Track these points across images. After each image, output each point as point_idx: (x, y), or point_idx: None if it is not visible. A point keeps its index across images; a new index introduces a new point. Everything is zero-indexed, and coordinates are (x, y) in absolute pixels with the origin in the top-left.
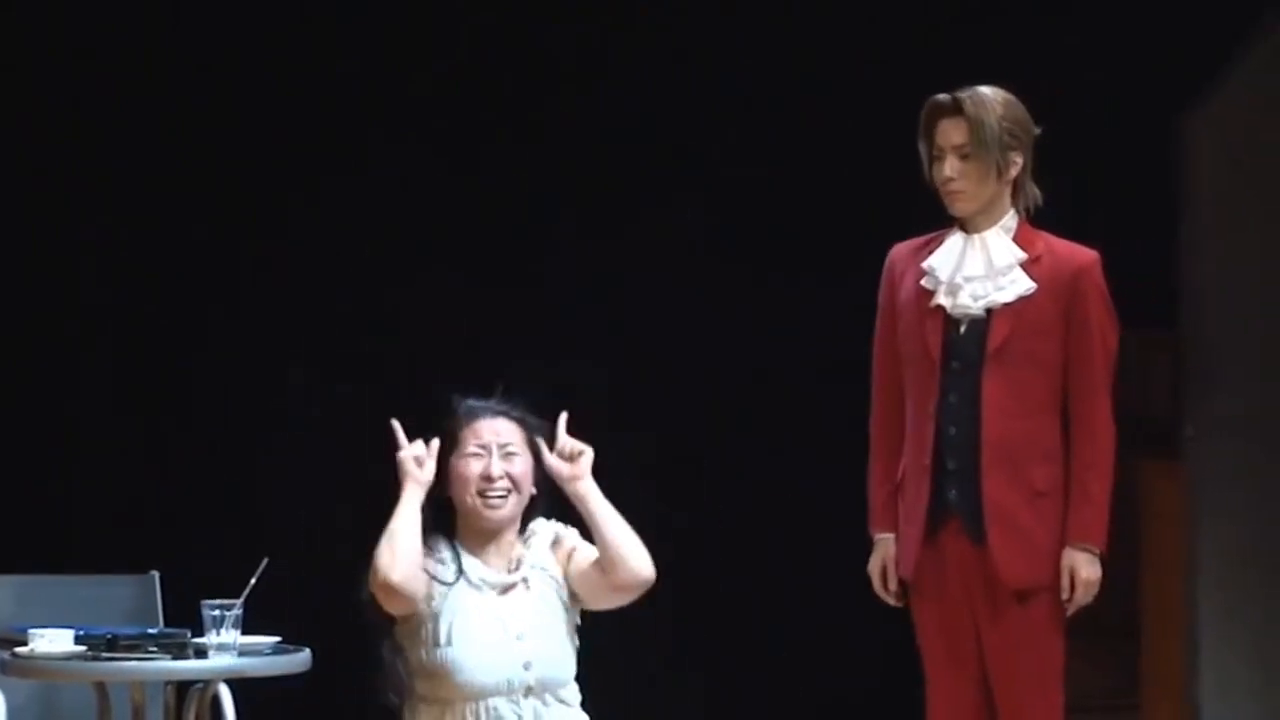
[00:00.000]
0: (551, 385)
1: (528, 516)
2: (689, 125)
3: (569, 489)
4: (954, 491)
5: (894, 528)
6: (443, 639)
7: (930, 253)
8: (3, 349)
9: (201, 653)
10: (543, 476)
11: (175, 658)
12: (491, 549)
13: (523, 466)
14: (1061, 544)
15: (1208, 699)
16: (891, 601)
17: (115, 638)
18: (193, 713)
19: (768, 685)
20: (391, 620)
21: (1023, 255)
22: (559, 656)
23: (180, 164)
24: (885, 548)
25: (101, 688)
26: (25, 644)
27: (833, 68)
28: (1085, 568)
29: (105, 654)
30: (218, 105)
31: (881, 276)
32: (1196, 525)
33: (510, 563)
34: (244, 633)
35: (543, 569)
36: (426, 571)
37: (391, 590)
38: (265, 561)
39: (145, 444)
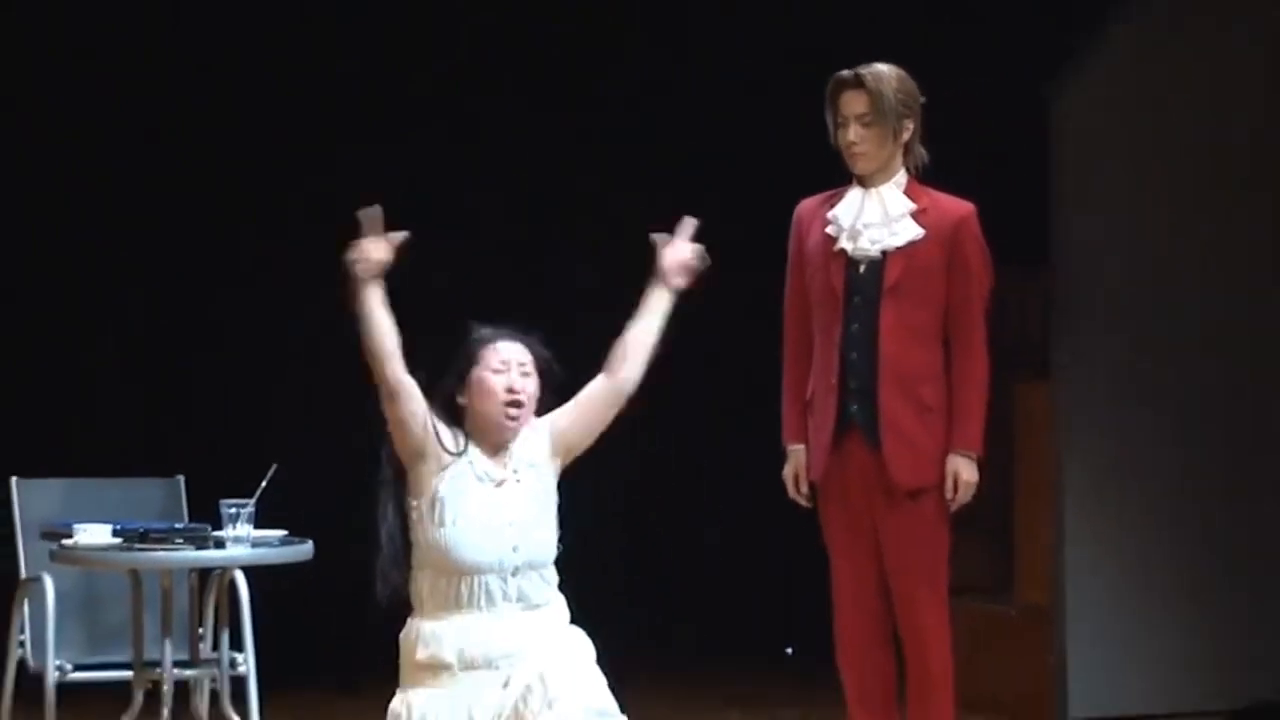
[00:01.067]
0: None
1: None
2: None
3: (666, 281)
4: (855, 406)
5: (804, 439)
6: (447, 520)
7: (832, 206)
8: (46, 282)
9: (220, 544)
10: (546, 393)
11: (198, 548)
12: (490, 448)
13: (534, 387)
14: (946, 451)
15: (1070, 582)
16: (803, 503)
17: (147, 531)
18: (213, 595)
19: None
20: (404, 489)
21: (913, 206)
22: (543, 540)
23: (206, 106)
24: (797, 457)
25: (135, 574)
26: (70, 537)
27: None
28: (966, 470)
29: (138, 545)
30: (230, 55)
31: (790, 228)
32: (1062, 436)
33: (506, 458)
34: (256, 527)
35: (531, 465)
36: (438, 436)
37: (389, 386)
38: (274, 467)
39: (174, 368)
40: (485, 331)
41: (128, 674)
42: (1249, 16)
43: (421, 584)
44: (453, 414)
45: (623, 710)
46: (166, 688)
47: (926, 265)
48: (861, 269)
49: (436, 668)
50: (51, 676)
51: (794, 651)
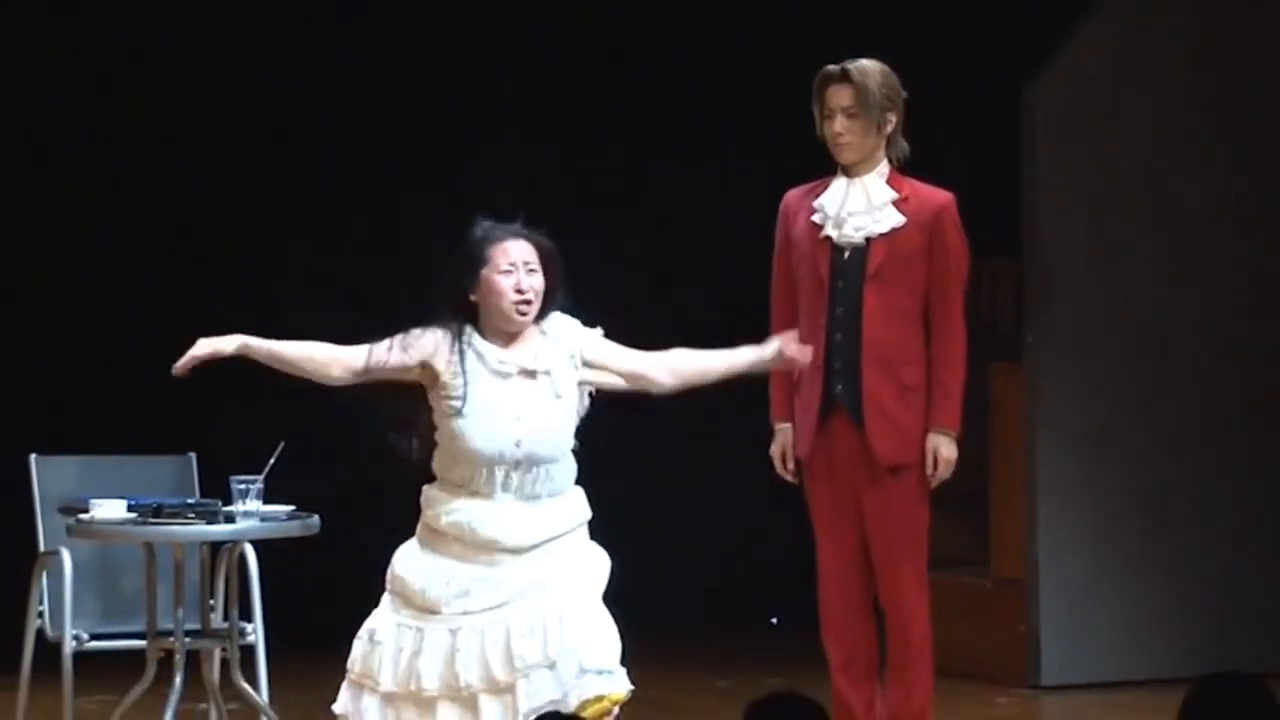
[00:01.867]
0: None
1: (539, 315)
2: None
3: (769, 358)
4: (840, 386)
5: (791, 418)
6: (459, 410)
7: (817, 195)
8: (62, 265)
9: (230, 519)
10: (554, 285)
11: (209, 523)
12: (514, 343)
13: (541, 283)
14: (926, 429)
15: (1043, 555)
16: (789, 479)
17: (160, 506)
18: (223, 568)
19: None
20: (419, 388)
21: (895, 195)
22: (549, 438)
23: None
24: (784, 435)
25: (149, 547)
26: (87, 512)
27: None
28: (945, 448)
29: (152, 519)
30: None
31: (778, 217)
32: (1034, 415)
33: (530, 354)
34: (265, 503)
35: (551, 365)
36: (452, 350)
37: (356, 377)
38: (282, 445)
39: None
40: (492, 229)
41: (142, 643)
42: (1221, 13)
43: (439, 460)
44: (466, 310)
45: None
46: (179, 656)
47: (908, 251)
48: (846, 255)
49: (440, 534)
50: (69, 645)
51: (779, 621)
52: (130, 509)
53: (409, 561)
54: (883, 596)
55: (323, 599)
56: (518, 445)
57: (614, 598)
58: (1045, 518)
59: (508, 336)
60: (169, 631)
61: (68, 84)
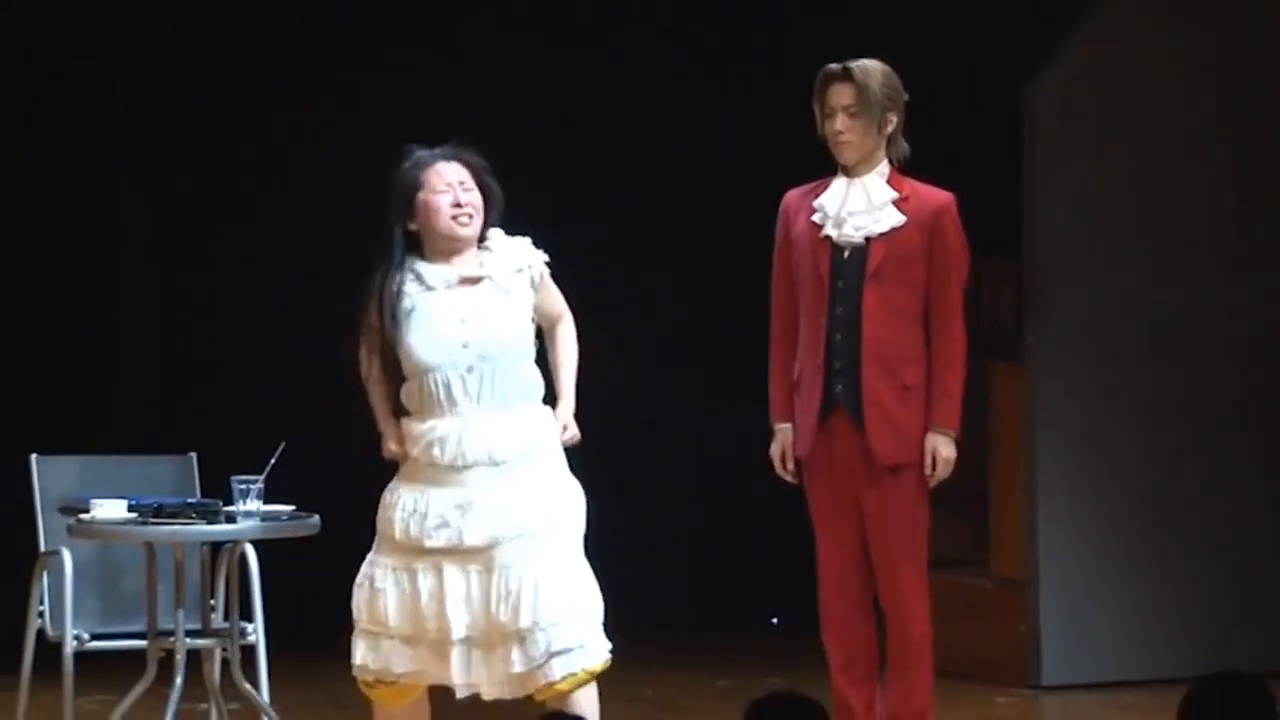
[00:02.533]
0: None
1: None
2: None
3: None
4: (840, 386)
5: (791, 418)
6: (401, 323)
7: (817, 195)
8: (63, 265)
9: (231, 519)
10: (490, 200)
11: (210, 522)
12: (456, 258)
13: (479, 199)
14: (925, 429)
15: (1043, 555)
16: (789, 479)
17: (161, 506)
18: (224, 567)
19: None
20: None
21: (895, 195)
22: (500, 336)
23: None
24: (784, 435)
25: (149, 547)
26: (87, 512)
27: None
28: (944, 448)
29: (153, 519)
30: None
31: (778, 217)
32: (1033, 414)
33: (467, 261)
34: (265, 502)
35: (500, 272)
36: (391, 287)
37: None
38: (283, 445)
39: (188, 352)
40: (421, 155)
41: (142, 643)
42: (1219, 15)
43: (405, 390)
44: (407, 242)
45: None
46: (179, 656)
47: (908, 251)
48: (846, 254)
49: (414, 462)
50: (69, 645)
51: (779, 621)
52: (131, 509)
53: (389, 499)
54: (883, 596)
55: (323, 599)
56: (465, 347)
57: (615, 599)
58: (1045, 518)
59: (451, 254)
60: (170, 631)
61: (68, 83)
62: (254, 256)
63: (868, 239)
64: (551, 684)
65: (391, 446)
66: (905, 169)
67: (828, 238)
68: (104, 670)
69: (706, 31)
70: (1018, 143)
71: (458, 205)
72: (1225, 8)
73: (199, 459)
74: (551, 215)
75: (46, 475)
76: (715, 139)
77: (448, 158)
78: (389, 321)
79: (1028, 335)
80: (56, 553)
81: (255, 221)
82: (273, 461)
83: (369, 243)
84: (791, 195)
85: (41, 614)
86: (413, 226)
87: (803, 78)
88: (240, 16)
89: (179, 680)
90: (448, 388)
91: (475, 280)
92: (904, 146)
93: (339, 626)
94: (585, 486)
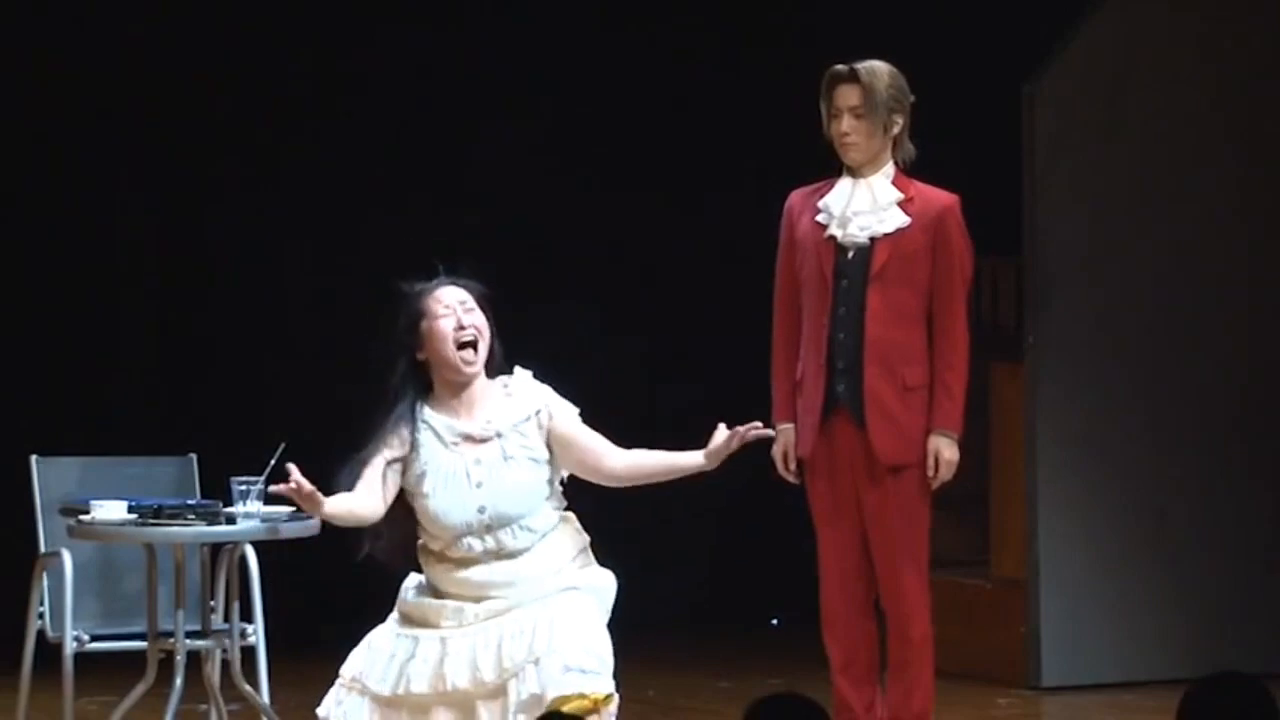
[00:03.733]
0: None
1: (490, 369)
2: None
3: (707, 460)
4: (842, 386)
5: (793, 418)
6: (425, 491)
7: (822, 195)
8: (63, 266)
9: (231, 520)
10: (496, 329)
11: (210, 524)
12: (464, 404)
13: (482, 319)
14: (927, 430)
15: (1043, 556)
16: (791, 479)
17: (161, 507)
18: (224, 569)
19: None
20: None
21: (900, 195)
22: (514, 497)
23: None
24: (786, 435)
25: (150, 548)
26: (87, 513)
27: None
28: (947, 449)
29: (153, 520)
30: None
31: (782, 217)
32: (1034, 414)
33: (485, 418)
34: (265, 504)
35: (510, 425)
36: (409, 436)
37: (388, 509)
38: (283, 446)
39: (188, 352)
40: (421, 288)
41: (142, 644)
42: (1224, 10)
43: (424, 536)
44: (417, 374)
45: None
46: (179, 657)
47: (912, 251)
48: (850, 255)
49: (435, 587)
50: (70, 646)
51: (779, 622)
52: (131, 510)
53: (412, 590)
54: (883, 597)
55: (323, 600)
56: (481, 511)
57: (617, 598)
58: (1045, 518)
59: (462, 394)
60: (170, 632)
61: (67, 84)
62: (254, 255)
63: (872, 239)
64: (564, 697)
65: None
66: (910, 170)
67: (832, 238)
68: (104, 671)
69: (707, 30)
70: (1018, 141)
71: (460, 328)
72: (1227, 6)
73: (199, 460)
74: (550, 213)
75: (46, 476)
76: (718, 139)
77: (445, 284)
78: (414, 481)
79: (1028, 336)
80: (56, 554)
81: (255, 220)
82: (273, 462)
83: (369, 245)
84: (796, 196)
85: (41, 615)
86: (421, 356)
87: (806, 78)
88: (238, 16)
89: (179, 681)
90: (469, 548)
91: (481, 440)
92: (910, 148)
93: (343, 632)
94: (586, 486)
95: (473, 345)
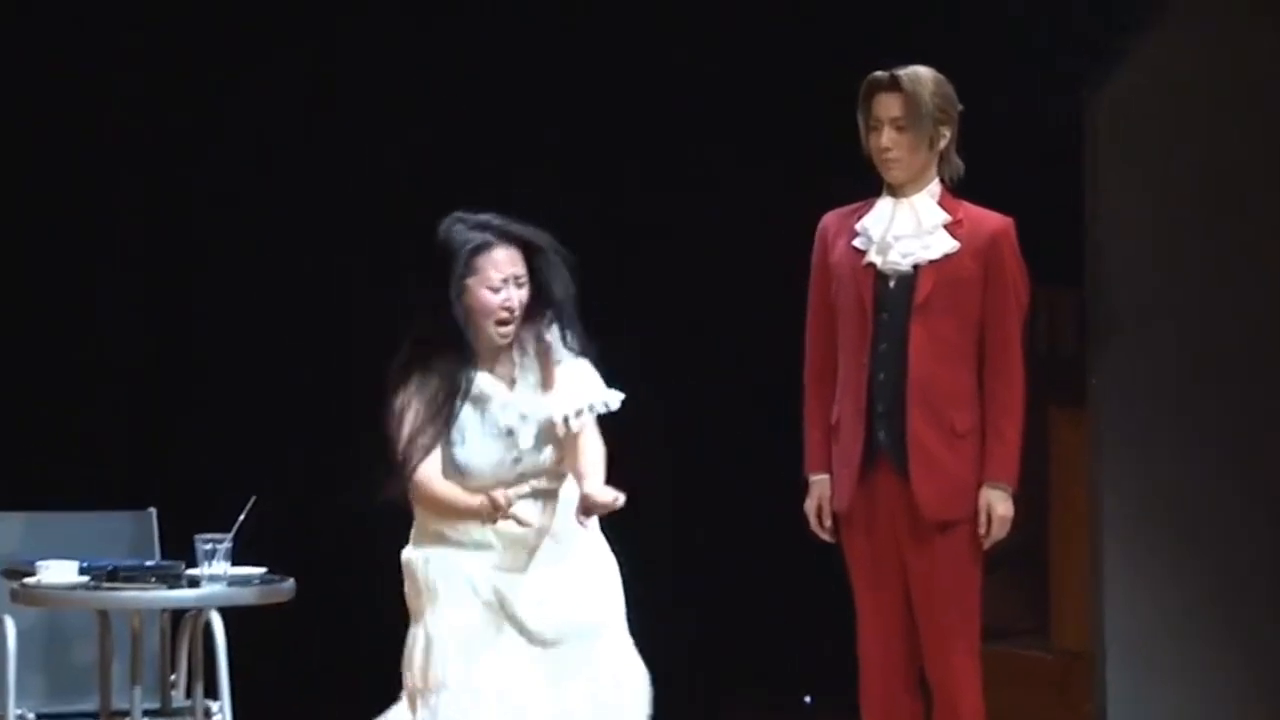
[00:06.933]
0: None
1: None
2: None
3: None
4: (883, 433)
5: (828, 468)
6: (455, 440)
7: (859, 217)
8: (15, 314)
9: (195, 583)
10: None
11: (171, 587)
12: (495, 361)
13: (525, 294)
14: (979, 481)
15: (1109, 626)
16: (825, 537)
17: (116, 569)
18: (186, 638)
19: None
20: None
21: (947, 217)
22: (543, 443)
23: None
24: (821, 488)
25: (103, 615)
26: (33, 575)
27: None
28: (1000, 505)
29: (106, 584)
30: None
31: (815, 241)
32: (1098, 465)
33: (510, 369)
34: (234, 564)
35: (535, 412)
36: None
37: None
38: (253, 500)
39: (146, 395)
40: (479, 235)
41: None
42: None
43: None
44: (455, 329)
45: None
46: None
47: (961, 280)
48: (891, 284)
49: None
50: None
51: (813, 701)
52: (82, 571)
53: (420, 563)
54: (930, 669)
55: (297, 673)
56: (516, 462)
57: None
58: (1112, 583)
59: (492, 353)
60: (125, 711)
61: (41, 108)
62: (219, 300)
63: (916, 266)
64: None
65: (498, 499)
66: (957, 189)
67: (871, 265)
68: None
69: (743, 38)
70: (1079, 158)
71: (506, 307)
72: None
73: (159, 515)
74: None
75: None
76: (746, 156)
77: (505, 240)
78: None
79: (1092, 377)
80: None
81: (219, 268)
82: (242, 518)
83: (332, 298)
84: (830, 217)
85: None
86: (461, 303)
87: (841, 88)
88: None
89: None
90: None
91: (511, 432)
92: (958, 164)
93: (319, 708)
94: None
95: (510, 325)
